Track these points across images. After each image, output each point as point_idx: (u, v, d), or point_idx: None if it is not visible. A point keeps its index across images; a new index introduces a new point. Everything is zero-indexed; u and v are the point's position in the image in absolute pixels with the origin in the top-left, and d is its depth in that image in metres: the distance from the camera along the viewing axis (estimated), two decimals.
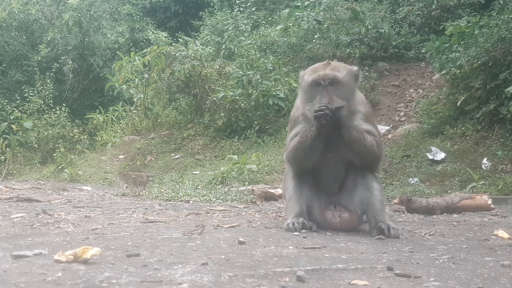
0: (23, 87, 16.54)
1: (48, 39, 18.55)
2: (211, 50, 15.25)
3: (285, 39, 14.99)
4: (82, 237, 2.99)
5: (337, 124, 3.39)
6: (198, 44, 15.25)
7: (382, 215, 3.59)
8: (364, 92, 12.99)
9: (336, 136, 3.47)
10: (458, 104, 10.87)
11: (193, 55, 13.81)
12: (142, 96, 14.47)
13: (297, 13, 14.67)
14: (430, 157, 10.23)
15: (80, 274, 2.01)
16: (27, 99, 16.09)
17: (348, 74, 3.48)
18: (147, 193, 7.19)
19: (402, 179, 9.65)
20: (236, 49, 15.35)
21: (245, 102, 13.04)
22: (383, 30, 14.17)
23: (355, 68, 3.62)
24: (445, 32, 11.41)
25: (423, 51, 12.85)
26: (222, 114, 13.15)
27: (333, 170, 3.69)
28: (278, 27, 15.49)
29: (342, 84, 3.42)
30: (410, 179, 9.63)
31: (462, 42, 10.94)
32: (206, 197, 6.58)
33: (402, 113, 12.93)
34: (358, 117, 3.57)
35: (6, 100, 15.95)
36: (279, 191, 6.45)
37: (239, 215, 4.69)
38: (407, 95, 13.56)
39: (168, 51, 13.88)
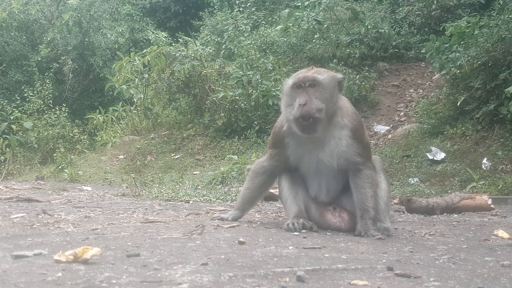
0: (23, 87, 16.55)
1: (48, 39, 18.56)
2: (211, 50, 15.25)
3: (285, 39, 15.00)
4: (82, 237, 2.99)
5: (314, 126, 3.39)
6: (198, 44, 15.26)
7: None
8: (364, 92, 13.06)
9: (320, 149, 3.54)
10: (458, 104, 10.87)
11: (193, 55, 13.82)
12: (142, 96, 14.47)
13: (297, 13, 14.67)
14: (430, 157, 10.24)
15: (80, 274, 2.01)
16: (27, 99, 16.09)
17: (329, 78, 3.50)
18: (147, 193, 7.19)
19: (402, 179, 9.66)
20: (236, 49, 15.36)
21: (245, 102, 13.04)
22: (383, 30, 14.18)
23: (339, 75, 3.63)
24: (445, 32, 11.42)
25: (423, 51, 12.86)
26: (222, 114, 13.15)
27: (324, 183, 3.70)
28: (278, 27, 15.49)
29: (322, 86, 3.43)
30: (410, 179, 9.64)
31: (462, 42, 10.95)
32: (206, 197, 6.58)
33: (402, 113, 12.93)
34: (345, 133, 3.53)
35: (6, 100, 15.96)
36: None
37: None
38: (407, 95, 13.57)
39: (168, 51, 13.88)
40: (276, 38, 15.35)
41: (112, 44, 19.54)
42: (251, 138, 12.49)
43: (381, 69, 14.18)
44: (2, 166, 13.76)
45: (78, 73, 19.07)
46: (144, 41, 19.49)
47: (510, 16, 10.59)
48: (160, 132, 14.24)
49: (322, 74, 3.48)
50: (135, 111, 15.03)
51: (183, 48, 14.36)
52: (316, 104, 3.36)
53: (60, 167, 12.88)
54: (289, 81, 3.52)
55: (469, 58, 10.67)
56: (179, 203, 6.09)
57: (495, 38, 10.42)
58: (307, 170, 3.68)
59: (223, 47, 16.36)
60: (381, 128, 12.44)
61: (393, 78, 14.13)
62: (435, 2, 14.58)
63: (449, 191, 8.26)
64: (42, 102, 16.00)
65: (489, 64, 10.43)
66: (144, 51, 14.40)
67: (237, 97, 12.93)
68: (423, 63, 14.31)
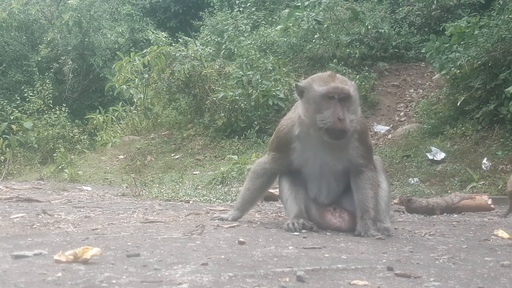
0: (23, 87, 16.54)
1: (48, 39, 18.55)
2: (211, 50, 15.25)
3: (285, 39, 15.00)
4: (82, 237, 2.99)
5: (346, 134, 3.41)
6: (198, 44, 15.26)
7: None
8: (364, 92, 13.05)
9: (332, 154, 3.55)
10: (458, 104, 10.87)
11: (193, 55, 13.81)
12: (142, 96, 14.47)
13: (297, 13, 14.68)
14: (430, 157, 10.24)
15: (80, 274, 2.01)
16: (27, 99, 16.09)
17: (356, 90, 3.54)
18: (147, 193, 7.18)
19: (402, 179, 9.66)
20: (236, 49, 15.36)
21: (245, 102, 13.04)
22: (383, 30, 14.18)
23: (353, 82, 3.66)
24: (445, 32, 11.42)
25: (423, 51, 12.86)
26: (222, 114, 13.15)
27: (325, 185, 3.71)
28: (278, 27, 15.49)
29: (352, 99, 3.46)
30: (410, 179, 9.63)
31: (462, 42, 10.95)
32: (206, 197, 6.58)
33: (402, 113, 12.93)
34: (354, 137, 3.55)
35: (6, 100, 15.96)
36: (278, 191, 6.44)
37: None
38: (407, 95, 13.57)
39: (168, 51, 13.88)
40: (276, 38, 15.35)
41: (112, 44, 19.53)
42: (251, 138, 12.49)
43: (381, 69, 14.17)
44: (2, 166, 13.75)
45: (78, 73, 19.06)
46: (144, 41, 19.47)
47: (510, 16, 10.60)
48: (160, 132, 14.24)
49: (351, 86, 3.48)
50: (135, 111, 15.02)
51: (183, 48, 14.36)
52: (351, 117, 3.41)
53: (60, 167, 12.87)
54: (319, 89, 3.43)
55: (469, 58, 10.67)
56: (179, 203, 6.09)
57: (495, 38, 10.42)
58: (310, 173, 3.68)
59: (223, 47, 16.35)
60: (381, 128, 12.44)
61: (393, 78, 14.13)
62: (435, 2, 14.58)
63: (449, 191, 8.26)
64: (42, 102, 15.99)
65: (489, 64, 10.43)
66: (144, 51, 14.39)
67: (237, 97, 12.93)
68: (423, 63, 14.31)
